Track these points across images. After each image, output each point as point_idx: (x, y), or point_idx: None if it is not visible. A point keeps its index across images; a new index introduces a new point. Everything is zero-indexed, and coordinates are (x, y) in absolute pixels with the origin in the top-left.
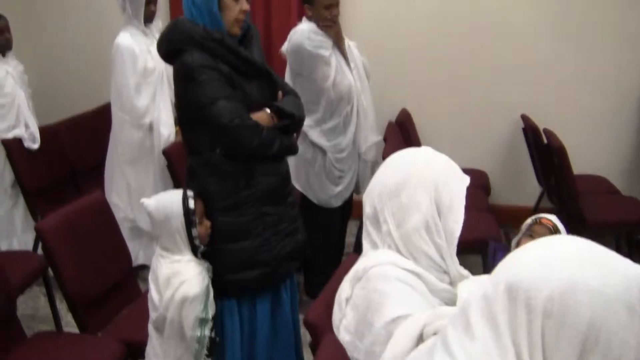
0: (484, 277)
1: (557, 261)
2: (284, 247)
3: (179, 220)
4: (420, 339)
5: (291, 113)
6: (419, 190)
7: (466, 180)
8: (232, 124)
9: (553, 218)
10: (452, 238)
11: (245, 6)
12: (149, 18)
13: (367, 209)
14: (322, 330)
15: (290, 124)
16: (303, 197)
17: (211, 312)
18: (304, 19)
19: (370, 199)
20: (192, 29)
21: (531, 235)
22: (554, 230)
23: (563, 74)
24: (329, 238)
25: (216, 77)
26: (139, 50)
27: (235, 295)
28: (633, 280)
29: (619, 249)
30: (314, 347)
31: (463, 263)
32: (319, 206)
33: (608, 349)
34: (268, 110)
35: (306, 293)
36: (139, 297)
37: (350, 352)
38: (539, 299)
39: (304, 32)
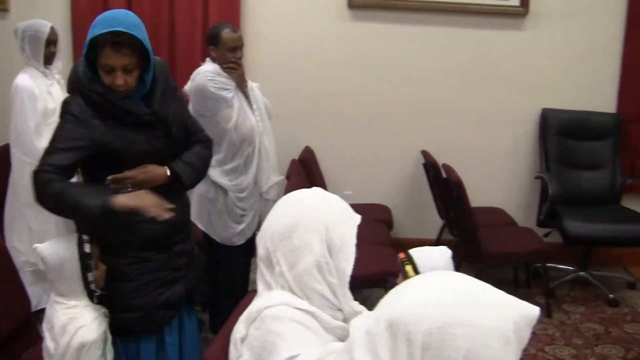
0: (370, 313)
1: (435, 297)
2: (160, 294)
3: (74, 265)
4: None
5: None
6: (310, 232)
7: (357, 219)
8: (32, 175)
9: (411, 251)
10: (344, 276)
11: (117, 82)
12: (48, 59)
13: (260, 251)
14: None
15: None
16: (205, 236)
17: (110, 356)
18: (208, 59)
19: (263, 241)
20: (80, 80)
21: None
22: (408, 261)
23: (461, 111)
24: (232, 276)
25: (69, 128)
26: (38, 92)
27: (117, 333)
28: (508, 311)
29: (517, 279)
30: None
31: (366, 297)
32: (222, 244)
33: None
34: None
35: (212, 331)
36: (38, 343)
37: None
38: (418, 334)
39: (207, 73)
